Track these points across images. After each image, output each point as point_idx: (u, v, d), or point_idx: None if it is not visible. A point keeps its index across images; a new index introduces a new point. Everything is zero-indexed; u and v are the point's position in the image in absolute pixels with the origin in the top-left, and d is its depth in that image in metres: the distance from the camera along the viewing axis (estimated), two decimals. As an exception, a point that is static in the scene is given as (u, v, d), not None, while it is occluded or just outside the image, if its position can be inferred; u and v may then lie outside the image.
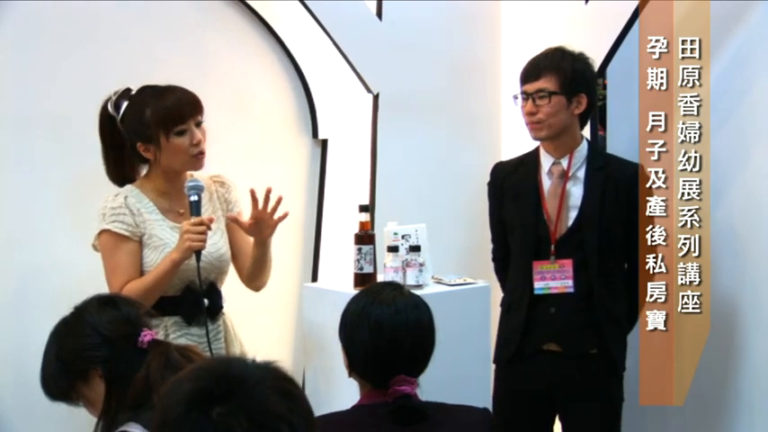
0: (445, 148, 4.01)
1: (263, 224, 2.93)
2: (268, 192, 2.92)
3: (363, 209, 3.19)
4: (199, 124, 2.91)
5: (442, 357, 2.42)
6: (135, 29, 3.47)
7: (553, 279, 3.22)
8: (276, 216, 2.94)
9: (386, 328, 2.30)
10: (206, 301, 2.90)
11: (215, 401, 1.36)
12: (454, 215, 3.87)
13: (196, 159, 2.90)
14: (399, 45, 3.85)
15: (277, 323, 3.76)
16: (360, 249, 3.11)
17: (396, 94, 3.83)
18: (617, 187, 3.24)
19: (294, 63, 3.79)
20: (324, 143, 3.86)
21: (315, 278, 3.81)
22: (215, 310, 2.98)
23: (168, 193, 2.94)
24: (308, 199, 3.85)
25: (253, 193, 2.93)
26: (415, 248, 3.14)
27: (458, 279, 3.27)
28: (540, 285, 3.21)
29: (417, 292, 2.75)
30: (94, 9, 3.38)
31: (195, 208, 2.83)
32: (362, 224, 3.15)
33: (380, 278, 3.12)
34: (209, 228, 2.81)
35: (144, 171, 2.99)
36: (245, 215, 3.03)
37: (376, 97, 3.80)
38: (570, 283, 3.21)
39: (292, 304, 3.79)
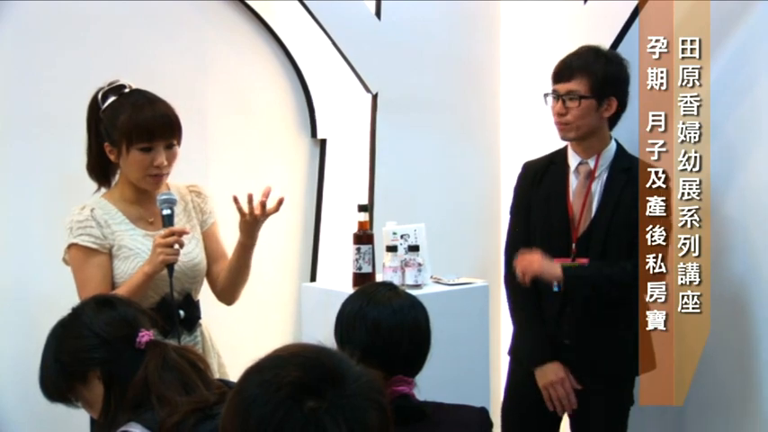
0: (444, 148, 4.00)
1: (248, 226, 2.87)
2: (250, 198, 2.84)
3: (362, 208, 3.19)
4: (170, 147, 2.85)
5: (440, 357, 2.42)
6: (134, 28, 3.46)
7: None
8: (268, 207, 2.84)
9: (384, 330, 2.30)
10: (182, 312, 2.87)
11: (313, 395, 1.33)
12: (453, 215, 3.86)
13: (152, 180, 2.84)
14: (398, 45, 3.85)
15: (276, 323, 3.75)
16: (359, 249, 3.10)
17: (395, 94, 3.83)
18: (635, 192, 3.23)
19: (293, 63, 3.78)
20: (323, 143, 3.86)
21: (313, 278, 3.81)
22: (192, 321, 2.93)
23: (137, 201, 2.90)
24: (306, 199, 3.84)
25: (236, 200, 2.85)
26: (414, 248, 3.13)
27: (456, 279, 3.26)
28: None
29: (416, 291, 2.75)
30: (93, 9, 3.37)
31: (168, 221, 2.79)
32: (361, 224, 3.14)
33: (379, 278, 3.11)
34: (181, 243, 2.76)
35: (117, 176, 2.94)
36: (221, 225, 3.01)
37: (375, 97, 3.80)
38: None
39: (291, 304, 3.78)
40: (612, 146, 3.30)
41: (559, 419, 3.38)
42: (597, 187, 3.26)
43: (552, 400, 3.26)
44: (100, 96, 2.88)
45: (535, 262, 3.18)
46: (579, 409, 3.29)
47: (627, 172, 3.26)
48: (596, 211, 3.24)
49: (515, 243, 3.36)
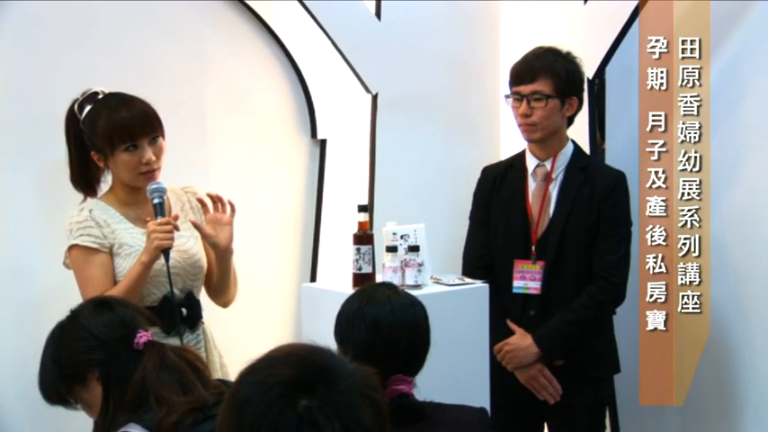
0: (444, 148, 4.00)
1: (218, 227, 2.91)
2: (217, 197, 2.92)
3: (362, 209, 3.18)
4: (155, 139, 2.86)
5: (440, 357, 2.41)
6: (133, 28, 3.45)
7: (533, 279, 3.25)
8: (228, 214, 2.93)
9: (383, 328, 2.31)
10: (184, 310, 2.88)
11: (306, 393, 1.33)
12: (453, 215, 3.85)
13: (145, 177, 2.85)
14: (398, 45, 3.84)
15: (276, 323, 3.75)
16: (358, 249, 3.09)
17: (395, 94, 3.83)
18: (592, 190, 3.24)
19: (293, 63, 3.78)
20: (322, 143, 3.85)
21: (313, 278, 3.80)
22: (194, 319, 2.94)
23: (132, 203, 2.92)
24: (306, 199, 3.84)
25: (201, 200, 2.93)
26: (414, 248, 3.12)
27: (456, 279, 3.25)
28: (519, 284, 3.27)
29: (416, 292, 2.75)
30: (93, 9, 3.37)
31: (159, 210, 2.81)
32: (361, 224, 3.13)
33: (379, 278, 3.11)
34: (176, 227, 2.79)
35: (104, 179, 2.96)
36: None
37: (375, 97, 3.80)
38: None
39: (291, 304, 3.78)
40: (570, 146, 3.32)
41: (542, 419, 3.38)
42: (554, 188, 3.28)
43: (540, 391, 3.27)
44: (76, 108, 2.90)
45: (511, 360, 3.25)
46: (557, 410, 3.30)
47: (583, 171, 3.27)
48: (553, 213, 3.26)
49: (475, 249, 3.39)
